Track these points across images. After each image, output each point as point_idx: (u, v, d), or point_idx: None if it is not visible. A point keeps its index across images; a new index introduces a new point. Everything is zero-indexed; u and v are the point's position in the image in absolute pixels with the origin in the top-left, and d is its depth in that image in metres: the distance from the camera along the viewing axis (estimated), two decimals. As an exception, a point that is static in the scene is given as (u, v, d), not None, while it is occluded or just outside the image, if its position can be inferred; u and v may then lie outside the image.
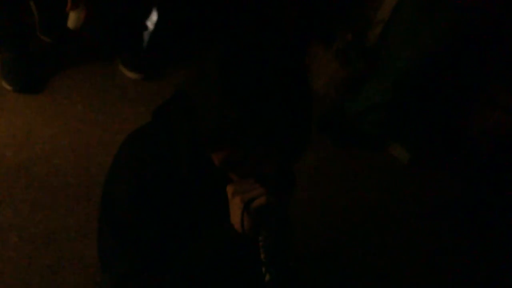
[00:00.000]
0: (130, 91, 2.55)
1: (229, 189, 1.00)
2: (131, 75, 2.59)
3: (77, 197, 2.00)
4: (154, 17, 2.76)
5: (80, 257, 1.82)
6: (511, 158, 2.63)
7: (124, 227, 1.08)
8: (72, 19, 2.20)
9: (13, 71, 2.31)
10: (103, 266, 1.20)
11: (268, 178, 1.01)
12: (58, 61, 2.54)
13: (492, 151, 2.67)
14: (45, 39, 2.62)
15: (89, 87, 2.48)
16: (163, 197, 1.08)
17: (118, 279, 1.12)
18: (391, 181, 2.67)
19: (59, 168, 2.09)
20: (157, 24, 2.77)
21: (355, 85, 2.85)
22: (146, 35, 2.73)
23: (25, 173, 2.03)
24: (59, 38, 2.60)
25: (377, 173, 2.69)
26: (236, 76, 0.89)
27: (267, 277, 0.95)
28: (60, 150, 2.16)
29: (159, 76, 2.65)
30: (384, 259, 2.27)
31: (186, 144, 1.05)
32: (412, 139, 2.79)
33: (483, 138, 2.68)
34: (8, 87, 2.30)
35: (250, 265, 1.04)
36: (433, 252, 2.39)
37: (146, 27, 2.70)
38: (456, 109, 2.77)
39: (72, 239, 1.87)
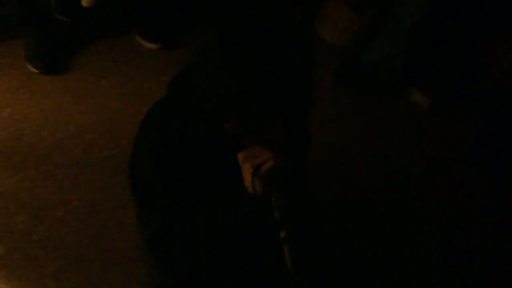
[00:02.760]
0: (150, 61, 2.62)
1: (239, 156, 1.08)
2: (149, 45, 2.66)
3: (112, 169, 2.12)
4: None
5: (121, 224, 1.95)
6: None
7: (148, 194, 1.18)
8: None
9: (37, 54, 2.41)
10: (138, 231, 1.33)
11: (276, 142, 1.08)
12: (78, 39, 2.62)
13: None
14: (63, 18, 2.70)
15: (111, 62, 2.57)
16: (182, 165, 1.15)
17: (148, 242, 1.25)
18: (412, 127, 2.72)
19: (93, 143, 2.20)
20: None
21: (370, 33, 2.86)
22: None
23: (62, 151, 2.15)
24: (76, 16, 2.66)
25: (397, 120, 2.73)
26: (236, 47, 0.95)
27: (282, 234, 1.04)
28: (91, 126, 2.27)
29: (177, 44, 2.72)
30: (406, 205, 2.33)
31: (198, 114, 1.09)
32: (431, 84, 2.80)
33: (503, 78, 2.69)
34: (35, 70, 2.40)
35: (267, 223, 1.11)
36: (455, 194, 2.44)
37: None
38: (474, 50, 2.76)
39: (112, 209, 2.00)
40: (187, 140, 1.15)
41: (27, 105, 2.28)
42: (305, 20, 3.15)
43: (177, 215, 1.18)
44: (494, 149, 2.61)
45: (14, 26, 2.42)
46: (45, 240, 1.88)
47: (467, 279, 2.08)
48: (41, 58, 2.42)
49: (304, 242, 1.18)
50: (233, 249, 1.25)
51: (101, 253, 1.88)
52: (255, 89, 0.95)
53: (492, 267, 2.16)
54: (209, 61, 0.99)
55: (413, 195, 2.39)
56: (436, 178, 2.49)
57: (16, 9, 2.37)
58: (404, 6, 2.54)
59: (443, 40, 2.67)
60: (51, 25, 2.56)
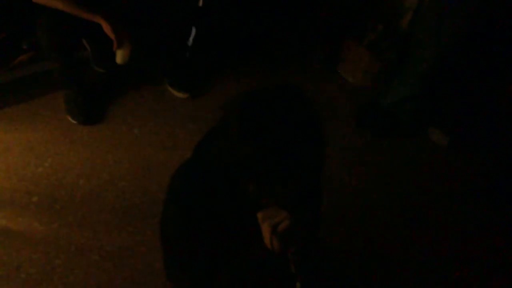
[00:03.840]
0: (179, 109, 2.81)
1: (259, 216, 1.22)
2: (178, 95, 2.85)
3: (143, 215, 2.28)
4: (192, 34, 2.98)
5: (151, 268, 2.10)
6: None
7: (178, 254, 1.34)
8: (120, 56, 2.46)
9: (75, 106, 2.62)
10: (169, 280, 1.48)
11: (289, 203, 1.22)
12: (113, 89, 2.83)
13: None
14: (100, 70, 2.93)
15: (143, 111, 2.76)
16: (208, 225, 1.29)
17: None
18: (432, 165, 2.79)
19: (125, 190, 2.37)
20: (195, 41, 2.99)
21: (390, 76, 2.97)
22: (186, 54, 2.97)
23: (97, 198, 2.33)
24: (112, 67, 2.88)
25: (418, 159, 2.82)
26: (251, 122, 1.08)
27: (298, 286, 1.16)
28: (124, 174, 2.44)
29: (204, 92, 2.90)
30: (427, 247, 2.40)
31: (220, 180, 1.22)
32: (450, 123, 2.88)
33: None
34: (74, 121, 2.61)
35: (285, 275, 1.25)
36: (474, 231, 2.50)
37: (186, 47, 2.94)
38: (491, 90, 2.82)
39: (143, 254, 2.15)
40: (212, 201, 1.27)
41: (67, 155, 2.48)
42: (327, 62, 3.29)
43: (203, 273, 1.32)
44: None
45: (55, 79, 2.63)
46: (81, 283, 2.04)
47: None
48: (79, 110, 2.62)
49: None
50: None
51: (132, 295, 2.03)
52: (267, 160, 1.07)
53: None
54: (228, 133, 1.11)
55: (432, 233, 2.46)
56: (454, 215, 2.55)
57: (57, 64, 2.58)
58: (419, 51, 2.65)
59: (458, 81, 2.74)
60: (88, 77, 2.77)
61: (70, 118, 2.62)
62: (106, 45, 2.49)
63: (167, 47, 2.79)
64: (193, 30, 2.93)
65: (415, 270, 2.29)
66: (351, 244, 2.32)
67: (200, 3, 2.94)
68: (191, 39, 2.94)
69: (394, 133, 2.90)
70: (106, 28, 2.30)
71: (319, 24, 3.35)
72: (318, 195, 1.51)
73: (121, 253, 2.15)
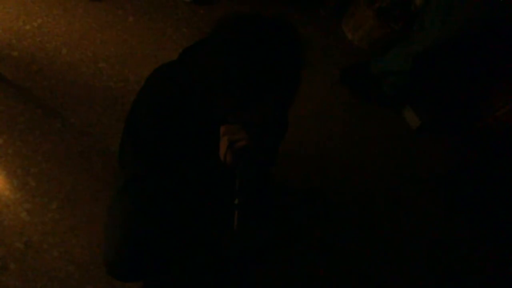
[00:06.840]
0: (179, 11, 2.82)
1: (222, 128, 1.31)
2: (184, -3, 2.86)
3: (113, 100, 2.35)
4: None
5: (107, 149, 2.20)
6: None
7: (140, 140, 1.41)
8: None
9: (78, -24, 2.61)
10: (120, 164, 1.57)
11: (255, 126, 1.31)
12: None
13: (502, 137, 2.82)
14: None
15: (143, 1, 2.76)
16: (173, 123, 1.38)
17: (128, 178, 1.48)
18: (396, 143, 2.89)
19: (103, 71, 2.43)
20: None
21: (387, 45, 3.01)
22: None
23: (74, 70, 2.38)
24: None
25: (385, 132, 2.91)
26: (241, 40, 1.16)
27: (236, 201, 1.27)
28: (107, 56, 2.49)
29: (208, 3, 2.90)
30: (374, 216, 2.53)
31: (197, 86, 1.30)
32: (426, 108, 2.96)
33: (494, 124, 2.83)
34: (73, -9, 2.62)
35: (228, 189, 1.35)
36: (426, 217, 2.63)
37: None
38: (474, 89, 2.90)
39: (102, 133, 2.24)
40: (182, 104, 1.37)
41: (57, 21, 2.50)
42: (333, 12, 3.30)
43: (159, 163, 1.40)
44: (468, 181, 2.79)
45: None
46: (38, 144, 2.13)
47: None
48: (82, -19, 2.62)
49: (252, 212, 1.42)
50: (194, 200, 1.48)
51: (82, 170, 2.13)
52: (243, 76, 1.16)
53: None
54: (215, 45, 1.20)
55: (376, 206, 2.59)
56: (398, 197, 2.68)
57: None
58: (422, 32, 2.68)
59: (449, 70, 2.81)
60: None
61: (69, -13, 2.63)
62: None
63: None
64: None
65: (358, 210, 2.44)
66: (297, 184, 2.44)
67: None
68: None
69: (372, 99, 2.98)
70: None
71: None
72: (281, 128, 1.60)
73: (82, 129, 2.24)
